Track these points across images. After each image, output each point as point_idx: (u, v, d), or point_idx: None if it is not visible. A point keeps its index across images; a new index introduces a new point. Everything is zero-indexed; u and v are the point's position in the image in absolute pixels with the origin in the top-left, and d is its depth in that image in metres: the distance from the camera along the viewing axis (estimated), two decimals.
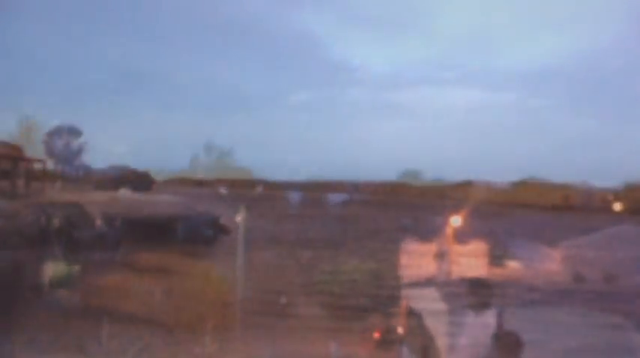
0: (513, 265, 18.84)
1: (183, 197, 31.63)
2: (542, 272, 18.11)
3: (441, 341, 9.01)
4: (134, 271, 14.18)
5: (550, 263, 19.66)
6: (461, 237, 19.26)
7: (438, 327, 9.20)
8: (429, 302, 10.72)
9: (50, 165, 46.99)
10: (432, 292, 11.90)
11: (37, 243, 15.51)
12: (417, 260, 16.09)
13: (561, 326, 11.52)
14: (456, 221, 17.34)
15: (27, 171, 35.62)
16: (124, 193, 31.11)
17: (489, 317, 9.60)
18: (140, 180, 58.03)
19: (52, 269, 12.70)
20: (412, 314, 10.29)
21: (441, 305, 10.64)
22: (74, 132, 56.65)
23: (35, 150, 48.13)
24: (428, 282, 13.81)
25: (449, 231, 17.78)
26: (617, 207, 55.20)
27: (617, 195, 59.73)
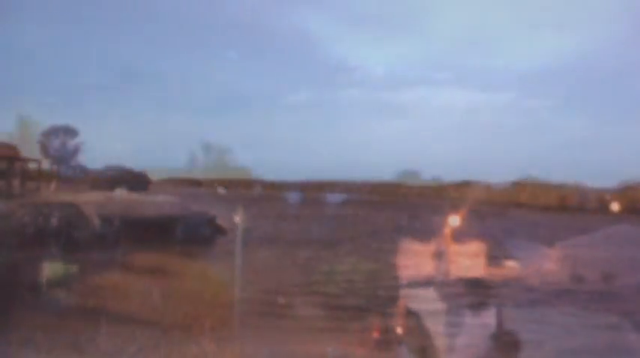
0: (511, 264, 18.83)
1: (180, 197, 31.55)
2: (540, 271, 18.09)
3: (440, 341, 8.93)
4: (129, 271, 14.07)
5: (548, 262, 19.66)
6: (459, 236, 19.23)
7: (436, 327, 9.13)
8: (427, 302, 10.64)
9: (46, 165, 46.89)
10: (430, 292, 11.83)
11: (33, 243, 15.40)
12: (414, 260, 16.03)
13: (559, 325, 11.49)
14: (454, 220, 17.31)
15: (22, 171, 35.47)
16: (120, 193, 31.00)
17: (488, 317, 9.54)
18: (136, 180, 57.96)
19: (48, 269, 12.61)
20: (410, 314, 10.20)
21: (440, 305, 10.57)
22: (70, 131, 56.49)
23: (32, 149, 48.00)
24: (426, 282, 13.74)
25: (447, 230, 17.75)
26: (615, 207, 55.49)
27: (614, 196, 60.00)
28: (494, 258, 19.09)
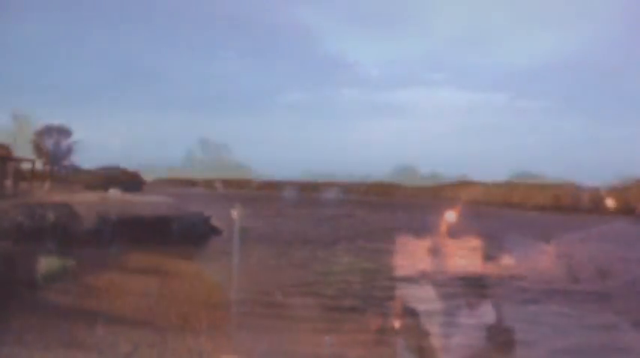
0: (507, 261, 18.95)
1: (175, 197, 31.44)
2: (536, 268, 18.20)
3: (437, 340, 8.94)
4: (122, 272, 13.99)
5: (544, 259, 19.83)
6: (453, 235, 19.29)
7: (433, 325, 9.13)
8: (424, 301, 10.64)
9: (39, 164, 46.59)
10: (427, 290, 11.84)
11: (26, 244, 15.27)
12: (410, 259, 16.06)
13: (557, 320, 11.57)
14: (450, 217, 17.34)
15: (15, 171, 35.20)
16: (114, 193, 30.85)
17: (486, 314, 9.55)
18: (130, 181, 57.78)
19: (41, 267, 12.55)
20: (408, 312, 10.20)
21: (437, 303, 10.58)
22: (64, 131, 56.27)
23: (25, 149, 47.68)
24: (422, 280, 13.76)
25: (443, 227, 17.78)
26: (609, 206, 55.91)
27: (608, 195, 60.40)
28: (490, 255, 19.19)
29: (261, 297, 12.71)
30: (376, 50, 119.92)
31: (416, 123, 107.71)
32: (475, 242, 18.78)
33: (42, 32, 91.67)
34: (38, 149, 53.70)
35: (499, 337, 9.19)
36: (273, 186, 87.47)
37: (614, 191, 59.62)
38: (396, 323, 10.24)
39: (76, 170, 56.28)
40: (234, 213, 23.93)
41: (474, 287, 14.29)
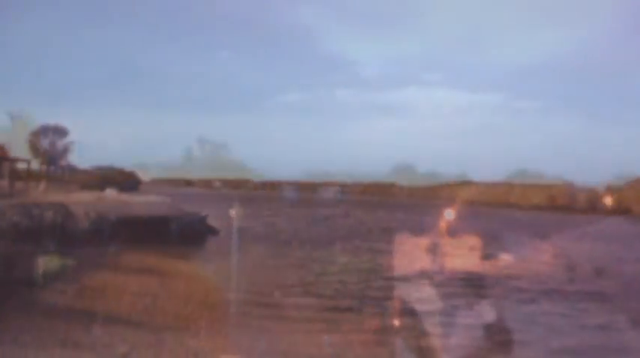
0: (504, 261, 19.06)
1: (171, 197, 31.37)
2: (532, 268, 18.30)
3: (434, 339, 8.95)
4: (118, 272, 13.95)
5: (540, 258, 19.96)
6: (450, 234, 19.34)
7: (429, 325, 9.15)
8: (422, 300, 10.66)
9: (35, 164, 46.41)
10: (425, 289, 11.85)
11: (22, 244, 15.22)
12: (407, 258, 16.05)
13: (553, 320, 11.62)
14: (449, 215, 17.41)
15: (11, 171, 35.07)
16: (110, 193, 30.77)
17: (482, 314, 9.57)
18: (126, 180, 57.66)
19: (40, 267, 12.54)
20: (404, 312, 10.22)
21: (436, 303, 10.59)
22: (60, 131, 56.09)
23: (21, 149, 47.49)
24: (418, 280, 13.77)
25: (441, 226, 17.84)
26: (607, 202, 56.22)
27: (603, 195, 60.64)
28: (488, 253, 19.26)
29: (257, 297, 12.70)
30: (374, 50, 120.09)
31: (413, 123, 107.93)
32: (471, 241, 18.82)
33: (38, 32, 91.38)
34: (34, 149, 53.49)
35: (495, 337, 9.22)
36: (270, 186, 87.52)
37: (609, 191, 59.88)
38: (393, 323, 10.25)
39: (73, 170, 56.10)
40: (233, 213, 23.92)
41: (470, 287, 14.32)
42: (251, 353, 8.51)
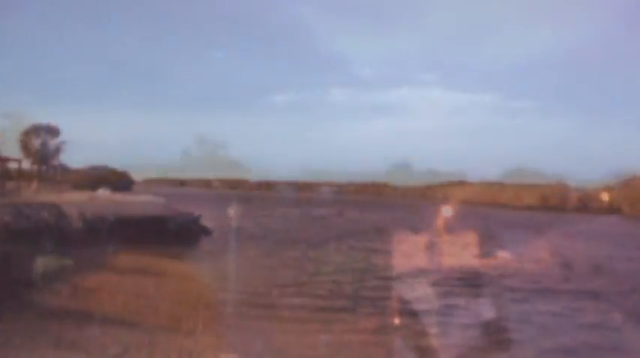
0: (503, 256, 19.19)
1: (164, 197, 31.25)
2: (525, 267, 18.40)
3: (432, 338, 8.95)
4: (110, 272, 13.85)
5: (533, 257, 20.09)
6: (444, 233, 19.40)
7: (428, 324, 9.16)
8: (418, 299, 10.67)
9: (27, 164, 46.04)
10: (420, 288, 11.87)
11: (13, 245, 15.06)
12: (401, 258, 16.07)
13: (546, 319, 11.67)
14: (447, 211, 17.47)
15: (2, 170, 34.78)
16: (103, 193, 30.60)
17: (482, 312, 9.60)
18: (119, 180, 57.35)
19: (38, 268, 12.46)
20: (401, 311, 10.22)
21: (431, 302, 10.61)
22: (52, 130, 55.67)
23: (12, 148, 47.07)
24: (415, 279, 13.79)
25: (438, 223, 17.88)
26: (602, 201, 56.61)
27: (597, 194, 61.06)
28: (479, 255, 19.31)
29: (251, 298, 12.65)
30: (369, 50, 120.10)
31: (409, 123, 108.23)
32: (467, 239, 18.89)
33: (33, 30, 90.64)
34: (26, 148, 53.05)
35: (489, 336, 9.23)
36: (265, 186, 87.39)
37: (602, 190, 60.28)
38: (388, 323, 10.23)
39: (65, 170, 55.72)
40: (228, 213, 23.84)
41: (467, 286, 14.35)
42: (244, 353, 8.48)
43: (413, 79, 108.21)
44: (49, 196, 25.17)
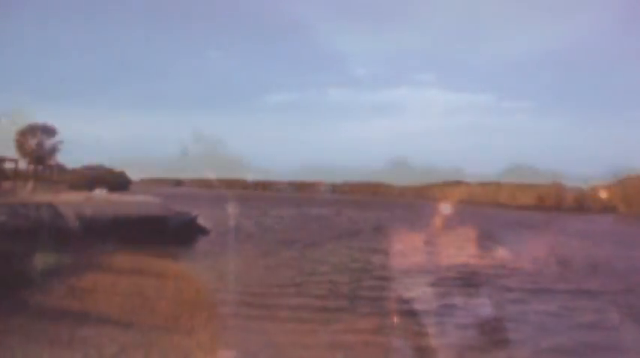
0: (492, 259, 19.22)
1: (161, 197, 31.14)
2: (527, 263, 18.48)
3: (430, 338, 8.94)
4: (106, 272, 13.80)
5: (535, 254, 20.18)
6: (440, 232, 19.42)
7: (425, 323, 9.15)
8: (415, 299, 10.66)
9: (23, 164, 45.84)
10: (421, 287, 11.86)
11: (9, 245, 14.99)
12: (398, 257, 16.08)
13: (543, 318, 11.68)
14: (446, 209, 17.51)
15: None
16: (99, 193, 30.50)
17: (481, 310, 9.59)
18: (116, 180, 57.20)
19: (37, 265, 12.41)
20: (399, 311, 10.21)
21: (429, 301, 10.60)
22: (48, 130, 55.45)
23: (8, 148, 46.90)
24: (415, 277, 13.80)
25: (437, 221, 17.92)
26: (597, 199, 56.73)
27: (592, 194, 61.24)
28: (475, 254, 19.37)
29: (247, 298, 12.62)
30: (366, 50, 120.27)
31: (405, 122, 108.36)
32: (465, 238, 18.93)
33: (29, 30, 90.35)
34: (22, 148, 52.84)
35: (487, 336, 9.23)
36: (263, 186, 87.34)
37: (598, 189, 60.53)
38: (386, 322, 10.22)
39: (61, 169, 55.52)
40: (225, 212, 23.79)
41: (462, 286, 14.36)
42: (241, 354, 8.45)
43: (410, 79, 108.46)
44: (45, 196, 25.05)
